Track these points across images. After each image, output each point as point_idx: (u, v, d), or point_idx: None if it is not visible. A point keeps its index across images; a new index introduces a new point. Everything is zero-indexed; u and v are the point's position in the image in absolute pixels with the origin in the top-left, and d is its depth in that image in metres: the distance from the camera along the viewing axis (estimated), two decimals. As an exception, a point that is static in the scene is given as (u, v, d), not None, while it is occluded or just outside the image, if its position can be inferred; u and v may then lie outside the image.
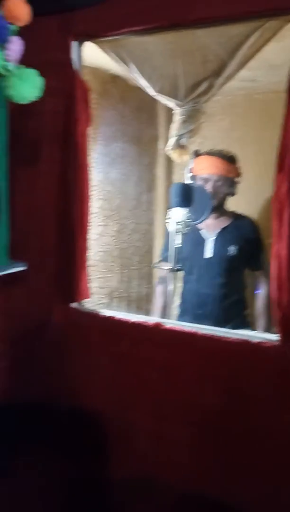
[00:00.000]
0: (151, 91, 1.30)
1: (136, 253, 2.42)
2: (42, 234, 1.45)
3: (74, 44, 1.32)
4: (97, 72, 1.95)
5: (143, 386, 1.37)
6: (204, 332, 1.26)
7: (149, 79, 1.27)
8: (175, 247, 1.62)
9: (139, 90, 1.42)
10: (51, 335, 1.50)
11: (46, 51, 1.26)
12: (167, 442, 1.34)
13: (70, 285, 1.43)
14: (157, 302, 1.98)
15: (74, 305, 1.47)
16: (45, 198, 1.43)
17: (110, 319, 1.41)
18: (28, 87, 0.79)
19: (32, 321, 1.53)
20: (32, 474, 1.45)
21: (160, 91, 1.28)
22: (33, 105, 1.15)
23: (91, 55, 1.38)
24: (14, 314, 1.55)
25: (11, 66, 0.79)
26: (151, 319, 1.41)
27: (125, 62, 1.30)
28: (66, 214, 1.40)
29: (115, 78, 2.07)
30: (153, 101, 2.27)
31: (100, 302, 2.19)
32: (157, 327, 1.33)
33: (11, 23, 0.75)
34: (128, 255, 2.36)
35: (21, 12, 0.78)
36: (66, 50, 1.30)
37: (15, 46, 0.78)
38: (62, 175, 1.40)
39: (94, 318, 1.45)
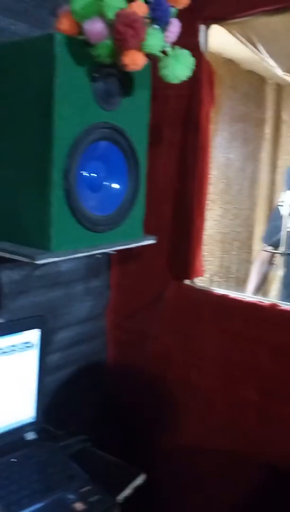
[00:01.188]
0: (278, 71, 1.30)
1: (236, 238, 2.43)
2: (160, 213, 1.52)
3: (201, 28, 1.36)
4: (211, 56, 1.97)
5: (254, 364, 1.39)
6: None
7: (277, 59, 1.27)
8: (288, 231, 1.61)
9: (248, 74, 1.42)
10: (163, 310, 1.58)
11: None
12: (272, 419, 1.36)
13: (185, 262, 1.49)
14: (252, 283, 1.97)
15: (187, 282, 1.52)
16: (165, 179, 1.50)
17: (223, 298, 1.45)
18: (182, 67, 0.84)
19: (145, 296, 1.62)
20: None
21: (289, 70, 1.28)
22: (157, 89, 1.21)
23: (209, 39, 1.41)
24: (129, 288, 1.66)
25: (168, 47, 0.84)
26: (266, 299, 1.43)
27: (252, 43, 1.31)
28: (185, 194, 1.45)
29: (227, 62, 2.08)
30: (261, 85, 2.24)
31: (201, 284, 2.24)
32: (273, 308, 1.34)
33: (172, 6, 0.80)
34: (229, 240, 2.37)
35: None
36: (194, 34, 1.34)
37: (174, 28, 0.83)
38: (183, 157, 1.45)
39: (207, 295, 1.49)
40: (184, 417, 1.53)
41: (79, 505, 0.75)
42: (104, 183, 0.98)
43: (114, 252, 1.16)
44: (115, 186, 0.99)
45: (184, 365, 1.54)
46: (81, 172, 0.93)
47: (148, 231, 1.52)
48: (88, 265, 1.66)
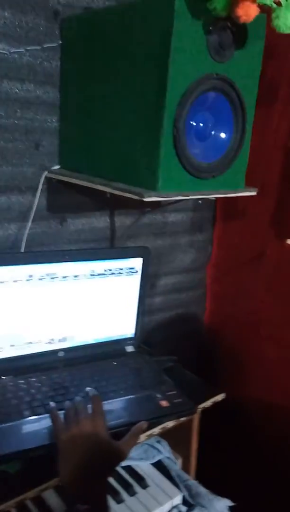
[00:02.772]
0: None
1: None
2: (267, 170, 1.54)
3: None
4: None
5: None
6: None
7: None
8: None
9: None
10: (264, 268, 1.62)
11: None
12: None
13: (289, 221, 1.50)
14: None
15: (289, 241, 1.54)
16: (275, 136, 1.51)
17: None
18: (295, 17, 0.86)
19: (247, 253, 1.67)
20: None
21: None
22: (275, 44, 1.22)
23: None
24: (230, 244, 1.72)
25: (282, -2, 0.87)
26: None
27: None
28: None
29: None
30: None
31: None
32: None
33: None
34: None
35: None
36: None
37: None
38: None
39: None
40: (271, 368, 1.59)
41: (164, 403, 0.89)
42: (211, 132, 1.05)
43: (214, 198, 1.23)
44: (221, 136, 1.06)
45: (279, 324, 1.58)
46: (189, 121, 1.01)
47: (253, 185, 1.56)
48: (193, 220, 1.76)
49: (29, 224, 1.28)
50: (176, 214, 1.67)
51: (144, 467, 0.92)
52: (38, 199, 1.29)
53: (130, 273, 1.01)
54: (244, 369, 1.70)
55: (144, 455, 0.94)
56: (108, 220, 1.51)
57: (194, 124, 1.03)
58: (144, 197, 0.99)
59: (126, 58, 1.03)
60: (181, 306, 1.80)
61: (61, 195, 1.35)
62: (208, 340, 1.86)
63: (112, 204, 1.49)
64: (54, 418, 0.77)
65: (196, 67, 0.96)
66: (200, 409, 0.93)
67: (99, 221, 1.49)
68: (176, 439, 0.97)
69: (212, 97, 1.01)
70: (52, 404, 0.82)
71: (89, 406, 0.78)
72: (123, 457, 0.76)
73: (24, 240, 1.27)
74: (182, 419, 0.93)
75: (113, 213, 1.50)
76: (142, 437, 0.83)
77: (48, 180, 1.30)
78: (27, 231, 1.28)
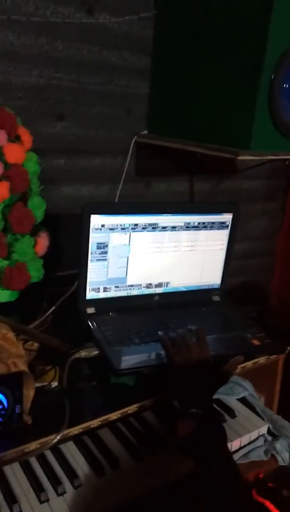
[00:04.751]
0: None
1: None
2: None
3: None
4: None
5: None
6: None
7: None
8: None
9: None
10: None
11: None
12: None
13: None
14: None
15: None
16: None
17: None
18: None
19: None
20: None
21: None
22: None
23: None
24: None
25: None
26: None
27: None
28: None
29: None
30: None
31: None
32: None
33: None
34: None
35: None
36: None
37: None
38: None
39: None
40: None
41: (255, 342, 0.97)
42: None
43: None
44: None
45: None
46: (283, 84, 1.07)
47: None
48: (267, 188, 1.80)
49: (120, 185, 1.39)
50: (251, 181, 1.72)
51: (231, 401, 1.01)
52: (128, 162, 1.39)
53: (221, 227, 1.08)
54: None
55: (230, 391, 1.03)
56: (188, 185, 1.59)
57: (287, 86, 1.08)
58: (238, 155, 1.06)
59: (224, 20, 1.08)
60: (250, 272, 1.87)
61: (147, 159, 1.44)
62: (275, 307, 1.92)
63: (192, 170, 1.56)
64: (165, 343, 0.87)
65: (294, 32, 1.01)
66: (288, 350, 1.01)
67: (180, 186, 1.57)
68: (257, 381, 1.06)
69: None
70: (160, 332, 0.93)
71: (193, 338, 0.88)
72: (225, 379, 0.86)
73: (116, 200, 1.38)
74: (272, 356, 1.01)
75: (193, 179, 1.58)
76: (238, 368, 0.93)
77: (136, 144, 1.39)
78: (118, 192, 1.39)
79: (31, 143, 1.04)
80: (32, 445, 0.72)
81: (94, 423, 0.79)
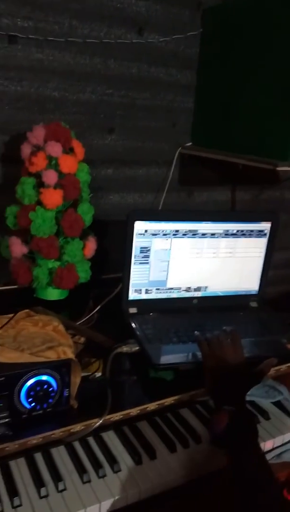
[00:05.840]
0: None
1: None
2: None
3: None
4: None
5: None
6: None
7: None
8: None
9: None
10: None
11: None
12: None
13: None
14: None
15: None
16: None
17: None
18: None
19: None
20: None
21: None
22: None
23: None
24: None
25: None
26: None
27: None
28: None
29: None
30: None
31: None
32: None
33: None
34: None
35: None
36: None
37: None
38: None
39: None
40: None
41: (290, 346, 1.01)
42: None
43: None
44: None
45: None
46: None
47: None
48: (310, 198, 1.81)
49: (164, 194, 1.46)
50: (293, 191, 1.75)
51: (266, 404, 1.04)
52: (172, 172, 1.46)
53: (259, 235, 1.13)
54: None
55: (265, 394, 1.06)
56: (230, 195, 1.64)
57: None
58: (277, 166, 1.10)
59: (266, 41, 1.14)
60: (290, 281, 1.87)
61: (190, 169, 1.51)
62: None
63: (234, 180, 1.61)
64: (201, 343, 0.93)
65: None
66: None
67: (221, 195, 1.63)
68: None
69: None
70: (196, 332, 0.98)
71: (228, 340, 0.93)
72: (259, 379, 0.90)
73: (160, 208, 1.45)
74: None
75: (235, 189, 1.63)
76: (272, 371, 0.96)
77: (180, 155, 1.46)
78: (162, 200, 1.46)
79: (83, 155, 1.13)
80: (77, 426, 0.79)
81: (133, 411, 0.85)
